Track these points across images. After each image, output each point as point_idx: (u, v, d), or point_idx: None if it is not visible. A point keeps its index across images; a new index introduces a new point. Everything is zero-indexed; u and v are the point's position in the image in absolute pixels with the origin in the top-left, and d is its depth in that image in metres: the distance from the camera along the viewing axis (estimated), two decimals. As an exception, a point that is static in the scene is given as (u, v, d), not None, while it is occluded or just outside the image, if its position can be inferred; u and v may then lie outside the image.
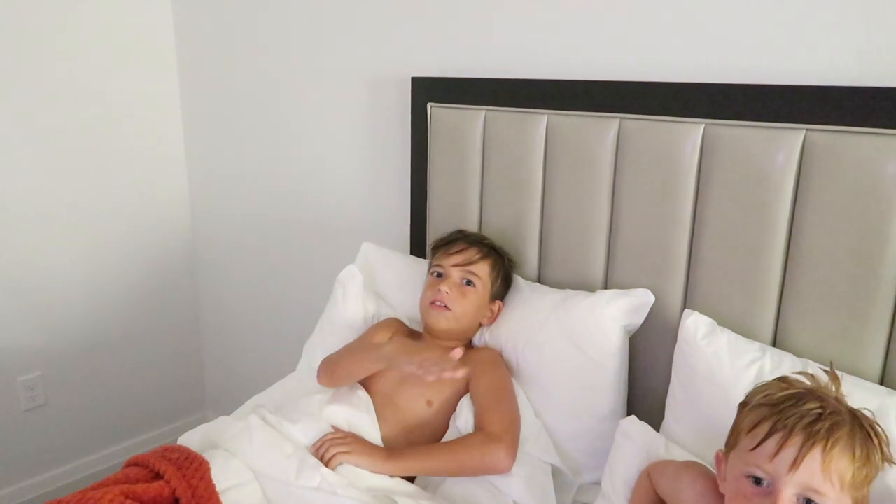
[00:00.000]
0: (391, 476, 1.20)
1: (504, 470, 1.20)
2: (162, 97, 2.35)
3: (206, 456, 1.16)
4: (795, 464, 0.81)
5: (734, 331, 1.22)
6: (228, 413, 1.44)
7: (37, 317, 2.16)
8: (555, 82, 1.44)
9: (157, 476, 1.12)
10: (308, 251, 2.13)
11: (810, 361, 1.13)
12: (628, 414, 1.30)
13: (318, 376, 1.41)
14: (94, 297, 2.28)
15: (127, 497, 1.04)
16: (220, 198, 2.36)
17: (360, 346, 1.40)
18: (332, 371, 1.39)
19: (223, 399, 2.58)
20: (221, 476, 1.13)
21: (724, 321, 1.24)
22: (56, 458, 2.29)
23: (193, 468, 1.11)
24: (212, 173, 2.37)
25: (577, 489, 1.30)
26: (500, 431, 1.22)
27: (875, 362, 1.12)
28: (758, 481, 0.84)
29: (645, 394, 1.39)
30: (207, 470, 1.12)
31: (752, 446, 0.85)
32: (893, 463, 0.86)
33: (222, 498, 1.09)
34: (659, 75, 1.33)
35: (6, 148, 2.00)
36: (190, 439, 1.29)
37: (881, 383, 1.11)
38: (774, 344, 1.22)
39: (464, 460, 1.21)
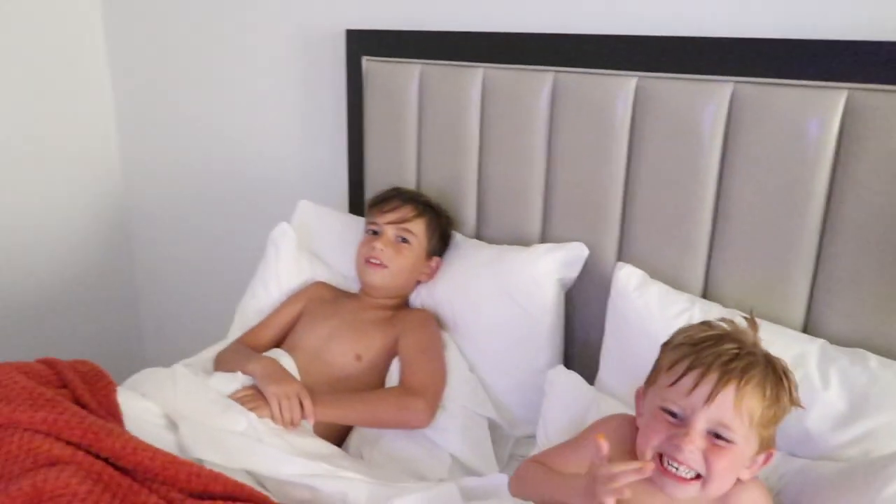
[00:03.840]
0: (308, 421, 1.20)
1: (420, 425, 1.21)
2: (87, 47, 2.20)
3: (119, 393, 1.13)
4: (710, 398, 0.84)
5: (666, 283, 1.24)
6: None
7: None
8: (490, 34, 1.41)
9: (63, 385, 1.09)
10: (245, 211, 2.07)
11: (737, 312, 1.15)
12: (565, 366, 1.31)
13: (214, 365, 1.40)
14: (18, 255, 2.16)
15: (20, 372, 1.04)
16: (153, 153, 2.26)
17: (241, 352, 1.37)
18: (218, 368, 1.38)
19: (164, 360, 2.50)
20: (126, 407, 1.10)
21: (656, 274, 1.26)
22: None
23: (101, 385, 1.10)
24: (143, 126, 2.26)
25: (514, 442, 1.32)
26: (419, 387, 1.23)
27: (798, 311, 1.15)
28: (673, 415, 0.87)
29: (582, 347, 1.40)
30: (113, 390, 1.10)
31: (670, 382, 0.88)
32: (801, 406, 0.91)
33: (127, 424, 1.06)
34: (592, 27, 1.32)
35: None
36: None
37: (804, 331, 1.15)
38: (705, 295, 1.25)
39: (380, 412, 1.22)
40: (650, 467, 0.85)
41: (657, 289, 1.20)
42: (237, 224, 2.10)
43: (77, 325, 2.36)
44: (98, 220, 2.35)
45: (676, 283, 1.25)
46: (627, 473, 0.82)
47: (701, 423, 0.85)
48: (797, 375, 1.00)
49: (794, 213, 1.12)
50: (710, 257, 1.23)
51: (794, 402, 0.89)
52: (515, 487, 1.04)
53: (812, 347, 1.06)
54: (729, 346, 0.88)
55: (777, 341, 1.06)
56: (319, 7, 1.72)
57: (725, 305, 1.19)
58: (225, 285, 2.18)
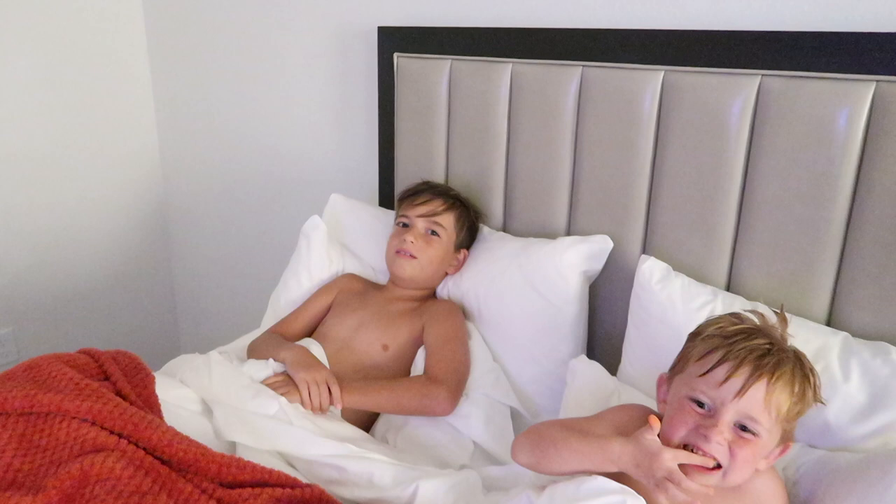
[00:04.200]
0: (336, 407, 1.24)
1: (443, 412, 1.24)
2: (129, 49, 2.29)
3: (157, 380, 1.18)
4: (741, 392, 0.85)
5: (691, 276, 1.25)
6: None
7: (6, 272, 2.15)
8: (518, 30, 1.43)
9: (105, 378, 1.14)
10: (280, 203, 2.12)
11: (761, 304, 1.15)
12: (588, 357, 1.33)
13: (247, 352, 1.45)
14: (64, 249, 2.26)
15: (67, 364, 1.09)
16: (191, 150, 2.34)
17: (273, 341, 1.42)
18: (251, 356, 1.42)
19: (199, 349, 2.59)
20: (164, 395, 1.15)
21: (681, 266, 1.27)
22: (30, 413, 2.29)
23: (140, 377, 1.14)
24: (182, 124, 2.34)
25: (537, 431, 1.34)
26: (442, 375, 1.26)
27: (822, 304, 1.15)
28: (701, 405, 0.88)
29: (607, 339, 1.41)
30: (152, 382, 1.15)
31: (700, 372, 0.89)
32: (823, 403, 0.91)
33: (164, 412, 1.11)
34: (620, 21, 1.33)
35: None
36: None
37: (828, 324, 1.15)
38: (729, 288, 1.25)
39: (404, 399, 1.25)
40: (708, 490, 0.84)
41: (680, 281, 1.21)
42: (271, 217, 2.16)
43: (119, 313, 2.46)
44: (140, 215, 2.44)
45: (701, 276, 1.25)
46: (691, 491, 0.82)
47: (730, 415, 0.86)
48: (818, 368, 1.01)
49: (819, 206, 1.12)
50: (734, 250, 1.23)
51: (818, 399, 0.90)
52: (527, 446, 0.97)
53: (835, 340, 1.06)
54: (761, 342, 0.89)
55: (800, 334, 1.06)
56: (352, 5, 1.76)
57: (749, 298, 1.19)
58: (259, 277, 2.25)
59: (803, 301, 1.16)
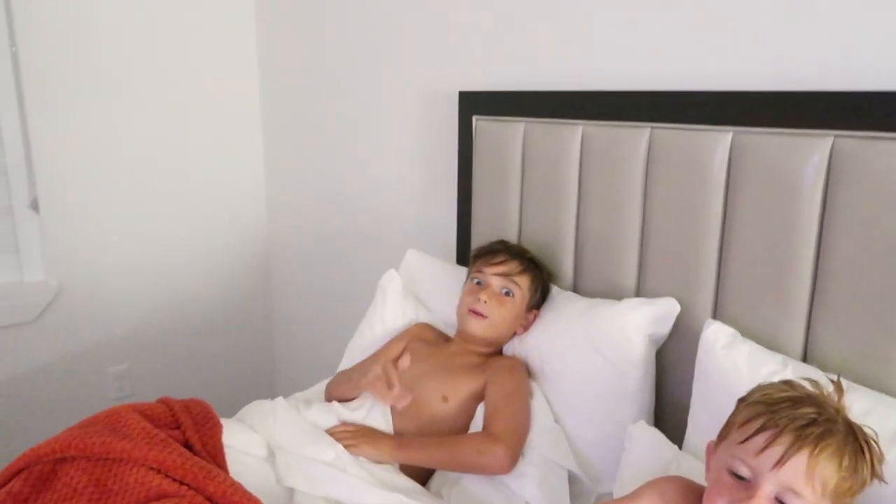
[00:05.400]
0: (395, 463, 1.26)
1: (500, 471, 1.22)
2: (246, 117, 2.54)
3: (228, 426, 1.26)
4: (780, 462, 0.80)
5: (763, 343, 1.19)
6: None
7: (128, 315, 2.37)
8: (589, 93, 1.45)
9: (177, 426, 1.23)
10: (366, 257, 2.23)
11: (834, 376, 1.08)
12: (657, 425, 1.28)
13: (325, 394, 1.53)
14: (176, 294, 2.48)
15: (142, 414, 1.19)
16: (293, 204, 2.52)
17: (349, 375, 1.50)
18: (329, 395, 1.51)
19: (292, 388, 2.71)
20: (233, 441, 1.22)
21: (752, 333, 1.21)
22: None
23: (209, 426, 1.23)
24: (286, 180, 2.53)
25: (596, 498, 1.30)
26: (500, 433, 1.24)
27: (908, 379, 1.06)
28: (740, 477, 0.84)
29: (675, 406, 1.36)
30: (220, 431, 1.23)
31: (740, 440, 0.85)
32: (883, 481, 0.83)
33: (229, 459, 1.18)
34: (688, 84, 1.32)
35: (89, 159, 2.20)
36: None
37: (915, 402, 1.05)
38: (805, 357, 1.18)
39: (461, 456, 1.25)
40: None
41: (747, 348, 1.15)
42: (359, 266, 2.27)
43: (222, 354, 2.65)
44: (242, 257, 2.67)
45: (774, 344, 1.19)
46: None
47: (768, 487, 0.81)
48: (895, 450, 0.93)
49: (900, 273, 1.04)
50: (810, 317, 1.16)
51: (876, 476, 0.83)
52: None
53: (919, 419, 0.97)
54: (807, 410, 0.84)
55: (877, 410, 0.99)
56: (436, 71, 1.86)
57: (826, 369, 1.11)
58: (347, 319, 2.34)
59: (887, 374, 1.07)
